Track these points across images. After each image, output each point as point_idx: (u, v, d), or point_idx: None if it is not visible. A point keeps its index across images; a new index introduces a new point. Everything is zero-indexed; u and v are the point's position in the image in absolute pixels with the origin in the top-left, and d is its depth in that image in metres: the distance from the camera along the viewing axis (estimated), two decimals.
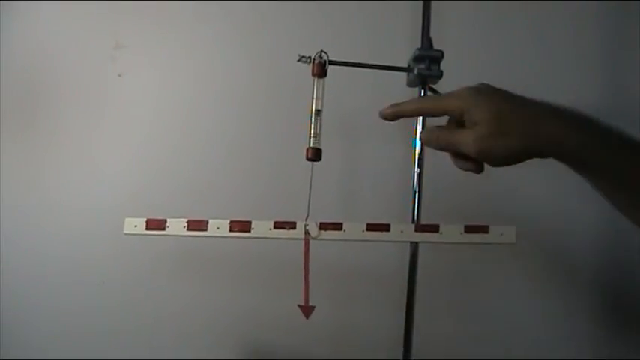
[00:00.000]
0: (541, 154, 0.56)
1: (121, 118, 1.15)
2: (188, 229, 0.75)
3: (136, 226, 0.77)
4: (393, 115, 0.63)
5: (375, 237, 0.72)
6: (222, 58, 1.15)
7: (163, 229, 0.76)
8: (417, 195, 0.89)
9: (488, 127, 0.55)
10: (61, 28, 1.16)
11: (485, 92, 0.58)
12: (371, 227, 0.72)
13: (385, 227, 0.72)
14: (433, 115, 0.62)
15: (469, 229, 0.71)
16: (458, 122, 0.59)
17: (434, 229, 0.72)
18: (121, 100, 1.15)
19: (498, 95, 0.58)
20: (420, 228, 0.73)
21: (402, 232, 0.72)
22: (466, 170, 0.61)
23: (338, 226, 0.72)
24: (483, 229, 0.71)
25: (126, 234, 0.77)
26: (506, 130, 0.55)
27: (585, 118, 0.57)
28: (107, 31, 1.15)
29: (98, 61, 1.15)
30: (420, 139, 0.64)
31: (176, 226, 0.76)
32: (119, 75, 1.15)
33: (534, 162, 0.58)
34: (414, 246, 0.92)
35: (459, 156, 0.60)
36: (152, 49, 1.16)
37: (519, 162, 0.57)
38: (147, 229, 0.76)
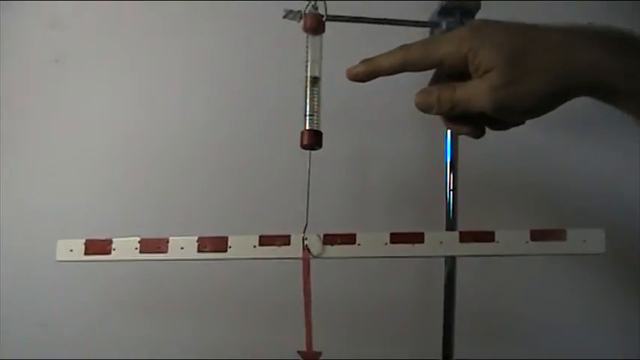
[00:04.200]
0: (577, 95, 0.48)
1: (59, 116, 1.02)
2: (141, 252, 0.62)
3: (71, 250, 0.64)
4: (367, 73, 0.52)
5: (405, 251, 0.56)
6: (189, 44, 1.03)
7: (108, 252, 0.63)
8: (451, 194, 0.76)
9: (505, 72, 0.46)
10: None
11: (490, 29, 0.48)
12: (397, 238, 0.56)
13: (417, 237, 0.56)
14: (421, 69, 0.51)
15: (537, 236, 0.55)
16: (449, 76, 0.50)
17: (488, 237, 0.55)
18: (57, 93, 1.03)
19: (507, 29, 0.48)
20: (468, 236, 0.56)
21: (441, 243, 0.56)
22: (464, 134, 0.53)
23: (350, 239, 0.57)
24: (558, 235, 0.55)
25: (59, 261, 0.64)
26: (528, 71, 0.47)
27: (623, 36, 0.47)
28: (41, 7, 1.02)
29: (29, 43, 1.02)
30: (416, 104, 0.52)
31: (124, 247, 0.62)
32: (56, 61, 1.03)
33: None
34: (451, 263, 0.76)
35: (453, 117, 0.52)
36: (96, 29, 1.03)
37: (551, 110, 0.49)
38: (86, 253, 0.63)
